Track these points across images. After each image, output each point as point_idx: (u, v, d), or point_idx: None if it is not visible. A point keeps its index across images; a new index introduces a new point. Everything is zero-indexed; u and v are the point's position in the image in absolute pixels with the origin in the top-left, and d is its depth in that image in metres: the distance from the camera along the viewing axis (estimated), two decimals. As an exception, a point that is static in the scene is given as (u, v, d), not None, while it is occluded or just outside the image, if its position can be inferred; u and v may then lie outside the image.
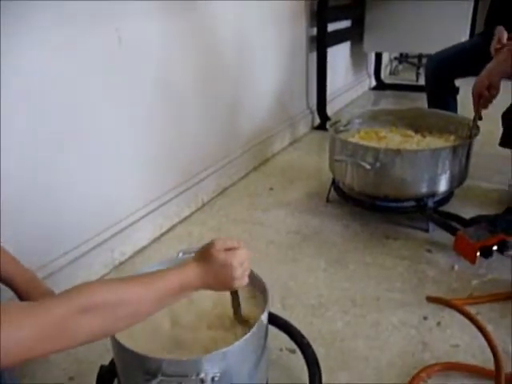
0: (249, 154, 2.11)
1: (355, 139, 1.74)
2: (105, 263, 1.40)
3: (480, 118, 1.50)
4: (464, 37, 2.91)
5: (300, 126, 2.56)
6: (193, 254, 0.76)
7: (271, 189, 1.93)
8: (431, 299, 1.20)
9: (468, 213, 1.60)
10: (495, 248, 1.30)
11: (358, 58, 3.24)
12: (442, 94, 1.89)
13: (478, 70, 1.48)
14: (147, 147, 1.53)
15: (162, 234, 1.61)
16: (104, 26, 1.29)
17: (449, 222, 1.42)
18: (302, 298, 1.27)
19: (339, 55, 2.95)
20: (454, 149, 1.42)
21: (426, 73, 1.91)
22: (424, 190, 1.46)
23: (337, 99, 3.02)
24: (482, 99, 1.40)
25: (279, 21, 2.23)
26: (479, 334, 1.08)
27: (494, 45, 1.71)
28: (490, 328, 1.12)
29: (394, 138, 1.74)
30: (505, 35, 1.69)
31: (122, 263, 1.45)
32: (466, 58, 1.78)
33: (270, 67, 2.24)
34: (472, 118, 1.53)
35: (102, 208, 1.39)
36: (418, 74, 3.65)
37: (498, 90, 1.38)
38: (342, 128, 1.79)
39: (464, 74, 1.85)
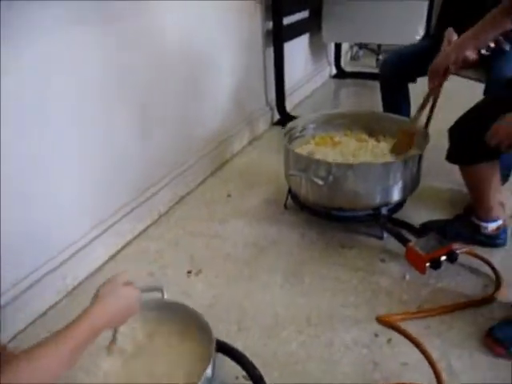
0: (207, 159, 2.08)
1: (311, 146, 1.74)
2: (58, 290, 1.37)
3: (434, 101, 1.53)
4: (421, 27, 2.92)
5: (259, 123, 2.53)
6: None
7: (229, 195, 1.92)
8: (381, 320, 1.23)
9: (422, 216, 1.64)
10: (444, 258, 1.34)
11: (317, 47, 3.20)
12: (396, 97, 1.90)
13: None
14: (94, 165, 1.47)
15: (118, 252, 1.58)
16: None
17: (401, 233, 1.45)
18: (257, 318, 1.28)
19: (298, 46, 2.91)
20: (405, 161, 1.44)
21: (380, 76, 1.91)
22: (377, 201, 1.48)
23: (298, 91, 3.00)
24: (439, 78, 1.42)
25: (232, 17, 2.16)
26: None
27: (444, 46, 1.72)
28: (437, 343, 1.16)
29: (348, 144, 1.74)
30: (454, 37, 1.71)
31: (75, 288, 1.42)
32: (419, 61, 1.77)
33: (225, 66, 2.19)
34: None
35: (50, 234, 1.35)
36: (377, 61, 3.66)
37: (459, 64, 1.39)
38: (297, 134, 1.78)
39: (417, 75, 1.87)
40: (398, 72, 1.85)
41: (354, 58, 3.97)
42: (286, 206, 1.78)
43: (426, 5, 2.68)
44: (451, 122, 1.39)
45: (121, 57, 1.50)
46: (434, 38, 1.84)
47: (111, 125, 1.52)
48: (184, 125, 1.93)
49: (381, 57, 3.63)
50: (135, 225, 1.66)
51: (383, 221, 1.52)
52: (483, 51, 1.68)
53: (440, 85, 1.47)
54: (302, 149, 1.73)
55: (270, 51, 2.49)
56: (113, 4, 1.42)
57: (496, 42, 1.60)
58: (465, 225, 1.50)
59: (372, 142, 1.75)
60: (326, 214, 1.58)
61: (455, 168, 1.51)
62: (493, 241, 1.48)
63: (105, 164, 1.52)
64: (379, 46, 3.68)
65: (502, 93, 1.32)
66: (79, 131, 1.40)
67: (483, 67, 1.71)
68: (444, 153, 1.42)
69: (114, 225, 1.56)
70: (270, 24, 2.45)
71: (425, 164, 1.61)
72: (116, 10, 1.45)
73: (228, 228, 1.70)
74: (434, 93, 1.50)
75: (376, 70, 3.55)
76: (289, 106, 2.84)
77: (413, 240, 1.41)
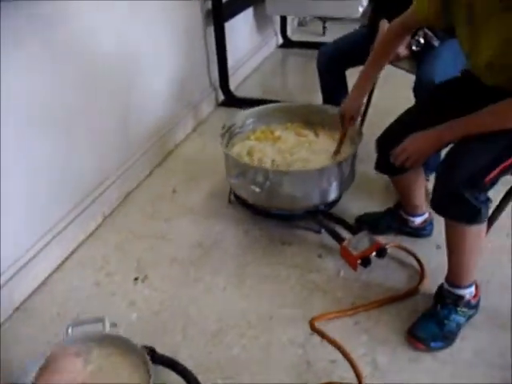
0: (151, 151, 2.06)
1: (251, 143, 1.76)
2: (4, 308, 1.38)
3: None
4: (360, 4, 2.90)
5: (204, 106, 2.51)
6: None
7: (174, 191, 1.94)
8: (312, 327, 1.31)
9: (358, 207, 1.74)
10: (374, 254, 1.44)
11: (263, 17, 3.13)
12: (334, 86, 1.93)
13: (365, 60, 1.52)
14: (30, 174, 1.45)
15: (63, 262, 1.58)
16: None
17: (336, 231, 1.53)
18: (201, 324, 1.35)
19: (242, 20, 2.84)
20: (339, 163, 1.50)
21: (317, 66, 1.92)
22: (314, 202, 1.55)
23: (245, 65, 2.97)
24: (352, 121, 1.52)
25: (168, 2, 2.08)
26: (354, 348, 1.24)
27: (378, 38, 1.75)
28: (364, 339, 1.28)
29: (288, 139, 1.78)
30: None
31: (22, 304, 1.43)
32: (354, 51, 1.80)
33: (164, 52, 2.13)
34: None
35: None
36: (324, 28, 3.63)
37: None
38: (237, 130, 1.80)
39: (353, 65, 1.89)
40: (334, 63, 1.87)
41: (301, 24, 3.92)
42: (230, 200, 1.82)
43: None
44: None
45: (50, 60, 1.44)
46: (368, 28, 1.86)
47: (52, 138, 1.50)
48: (124, 121, 1.90)
49: (327, 24, 3.61)
50: (79, 232, 1.66)
51: (320, 218, 1.60)
52: (414, 47, 1.72)
53: (350, 125, 1.56)
54: (243, 145, 1.76)
55: (212, 31, 2.43)
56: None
57: (426, 37, 1.64)
58: (395, 218, 1.60)
59: (311, 135, 1.80)
60: (267, 212, 1.64)
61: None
62: (419, 232, 1.59)
63: (44, 176, 1.50)
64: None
65: (427, 101, 1.37)
66: (18, 145, 1.36)
67: (415, 60, 1.76)
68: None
69: (58, 235, 1.56)
70: (210, 3, 2.38)
71: (361, 151, 1.68)
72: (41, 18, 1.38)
73: (173, 227, 1.74)
74: (345, 131, 1.59)
75: (323, 38, 3.55)
76: (235, 84, 2.83)
77: (347, 237, 1.50)
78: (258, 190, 1.44)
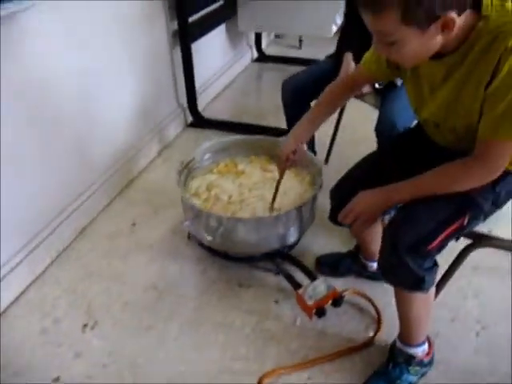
0: (111, 180, 2.00)
1: (212, 177, 1.71)
2: None
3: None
4: (338, 17, 2.86)
5: (170, 128, 2.44)
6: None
7: (133, 224, 1.88)
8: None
9: (319, 245, 1.71)
10: (330, 303, 1.40)
11: (235, 32, 3.07)
12: (299, 118, 1.88)
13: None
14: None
15: (9, 307, 1.51)
16: None
17: (293, 277, 1.49)
18: (150, 378, 1.31)
19: (213, 35, 2.77)
20: (299, 208, 1.45)
21: (282, 97, 1.87)
22: (271, 246, 1.50)
23: (216, 83, 2.90)
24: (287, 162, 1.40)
25: (132, 22, 2.01)
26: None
27: (342, 70, 1.71)
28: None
29: (253, 173, 1.73)
30: (351, 63, 1.70)
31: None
32: (319, 84, 1.74)
33: (127, 75, 2.06)
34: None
35: None
36: (300, 42, 3.57)
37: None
38: (197, 165, 1.74)
39: (318, 97, 1.84)
40: (299, 96, 1.81)
41: (278, 36, 3.86)
42: (189, 236, 1.77)
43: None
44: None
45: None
46: (334, 59, 1.82)
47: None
48: (83, 150, 1.83)
49: (303, 37, 3.56)
50: (28, 273, 1.60)
51: (278, 261, 1.56)
52: (377, 85, 1.68)
53: (287, 167, 1.44)
54: (203, 179, 1.70)
55: (179, 50, 2.37)
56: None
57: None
58: (355, 261, 1.57)
59: (276, 172, 1.74)
60: (224, 254, 1.59)
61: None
62: (379, 276, 1.55)
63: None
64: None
65: (383, 153, 1.33)
66: None
67: (379, 95, 1.72)
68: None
69: (5, 277, 1.50)
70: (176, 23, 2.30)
71: (327, 181, 1.60)
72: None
73: (129, 266, 1.68)
74: (282, 173, 1.48)
75: (299, 52, 3.51)
76: (206, 102, 2.77)
77: (304, 283, 1.46)
78: (209, 238, 1.38)
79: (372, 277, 1.56)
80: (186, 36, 2.28)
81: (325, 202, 1.67)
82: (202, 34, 2.53)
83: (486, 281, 1.57)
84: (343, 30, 1.88)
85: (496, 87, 0.87)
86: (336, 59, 1.78)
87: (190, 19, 2.34)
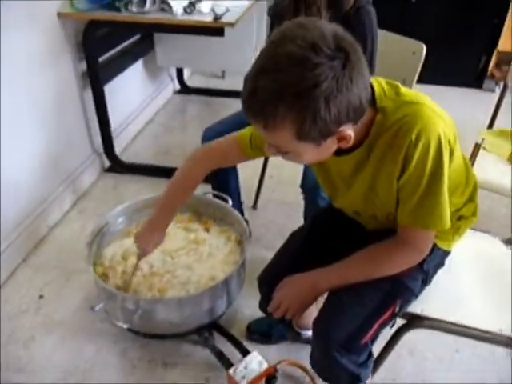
0: (16, 243, 1.76)
1: (128, 242, 1.53)
2: None
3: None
4: (254, 53, 2.81)
5: (85, 176, 2.23)
6: None
7: (41, 297, 1.65)
8: None
9: (251, 308, 1.59)
10: (264, 382, 1.30)
11: (155, 67, 2.91)
12: (223, 175, 1.77)
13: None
14: None
15: None
16: None
17: (223, 354, 1.37)
18: None
19: (131, 71, 2.60)
20: (225, 281, 1.33)
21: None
22: (197, 323, 1.37)
23: (135, 121, 2.72)
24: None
25: (34, 64, 1.79)
26: None
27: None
28: None
29: (175, 234, 1.57)
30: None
31: None
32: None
33: (34, 125, 1.84)
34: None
35: None
36: (223, 71, 3.49)
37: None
38: (111, 229, 1.57)
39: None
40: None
41: (200, 65, 3.75)
42: (104, 309, 1.58)
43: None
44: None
45: None
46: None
47: None
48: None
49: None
50: None
51: (206, 335, 1.43)
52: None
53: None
54: (120, 245, 1.53)
55: (89, 92, 2.17)
56: None
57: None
58: (288, 329, 1.48)
59: (200, 231, 1.61)
60: (145, 333, 1.43)
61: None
62: (314, 341, 1.48)
63: None
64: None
65: (307, 232, 1.23)
66: None
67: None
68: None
69: None
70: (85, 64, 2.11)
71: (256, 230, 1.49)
72: None
73: (36, 352, 1.46)
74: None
75: (222, 83, 3.42)
76: (125, 143, 2.59)
77: (236, 356, 1.35)
78: (125, 326, 1.23)
79: (307, 343, 1.47)
80: (96, 78, 2.10)
81: (253, 257, 1.59)
82: (115, 73, 2.35)
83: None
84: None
85: (407, 179, 0.85)
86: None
87: (101, 59, 2.16)
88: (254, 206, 2.14)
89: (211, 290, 1.31)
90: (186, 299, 1.29)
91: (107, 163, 2.37)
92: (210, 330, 1.45)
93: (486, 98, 3.22)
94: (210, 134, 1.74)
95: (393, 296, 0.97)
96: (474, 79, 3.48)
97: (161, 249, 1.52)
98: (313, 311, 1.39)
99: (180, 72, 3.23)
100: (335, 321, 0.95)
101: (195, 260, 1.48)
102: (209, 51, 2.64)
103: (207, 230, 1.64)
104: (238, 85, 3.07)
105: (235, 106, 3.02)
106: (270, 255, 1.75)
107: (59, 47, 1.95)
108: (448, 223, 0.86)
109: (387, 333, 1.16)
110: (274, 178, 2.24)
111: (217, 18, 1.82)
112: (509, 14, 3.16)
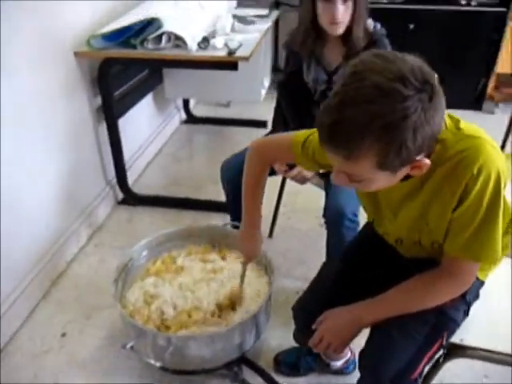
0: (34, 282, 1.75)
1: (150, 281, 1.53)
2: None
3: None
4: (267, 81, 2.87)
5: (100, 209, 2.24)
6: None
7: (63, 335, 1.64)
8: None
9: (277, 339, 1.57)
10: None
11: (162, 99, 2.95)
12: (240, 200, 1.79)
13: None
14: None
15: None
16: None
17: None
18: None
19: (141, 105, 2.64)
20: (254, 316, 1.33)
21: (222, 182, 1.77)
22: (229, 358, 1.36)
23: (145, 153, 2.74)
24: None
25: (51, 101, 1.82)
26: None
27: (277, 168, 1.64)
28: None
29: (192, 268, 1.58)
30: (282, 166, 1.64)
31: None
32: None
33: (49, 161, 1.85)
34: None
35: None
36: (228, 101, 3.54)
37: None
38: (135, 263, 1.57)
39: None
40: (238, 177, 1.73)
41: (205, 95, 3.81)
42: (133, 346, 1.57)
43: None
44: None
45: None
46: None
47: None
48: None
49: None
50: None
51: (235, 370, 1.41)
52: (321, 170, 1.64)
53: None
54: (141, 287, 1.51)
55: (103, 127, 2.20)
56: None
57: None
58: (316, 360, 1.46)
59: (218, 260, 1.62)
60: (174, 370, 1.42)
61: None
62: (342, 371, 1.47)
63: None
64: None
65: (341, 262, 1.22)
66: None
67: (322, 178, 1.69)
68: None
69: None
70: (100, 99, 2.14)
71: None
72: None
73: (61, 393, 1.44)
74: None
75: (228, 111, 3.47)
76: (135, 175, 2.60)
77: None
78: (158, 363, 1.22)
79: (336, 373, 1.46)
80: (111, 113, 2.13)
81: (277, 289, 1.59)
82: (128, 107, 2.38)
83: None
84: (276, 110, 1.84)
85: (464, 211, 0.86)
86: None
87: (115, 94, 2.20)
88: (270, 235, 2.14)
89: (241, 325, 1.30)
90: (218, 335, 1.29)
91: (120, 195, 2.39)
92: (239, 363, 1.44)
93: (486, 120, 3.28)
94: (227, 168, 1.76)
95: (439, 328, 0.98)
96: (474, 101, 3.55)
97: (177, 284, 1.52)
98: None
99: (186, 102, 3.27)
100: (385, 355, 0.94)
101: (218, 287, 1.48)
102: (216, 82, 2.69)
103: (223, 258, 1.65)
104: (243, 113, 3.19)
105: (241, 134, 3.10)
106: (289, 284, 1.77)
107: (75, 84, 1.99)
108: (500, 256, 0.88)
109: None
110: (287, 206, 2.25)
111: (231, 52, 1.86)
112: (506, 35, 3.23)
